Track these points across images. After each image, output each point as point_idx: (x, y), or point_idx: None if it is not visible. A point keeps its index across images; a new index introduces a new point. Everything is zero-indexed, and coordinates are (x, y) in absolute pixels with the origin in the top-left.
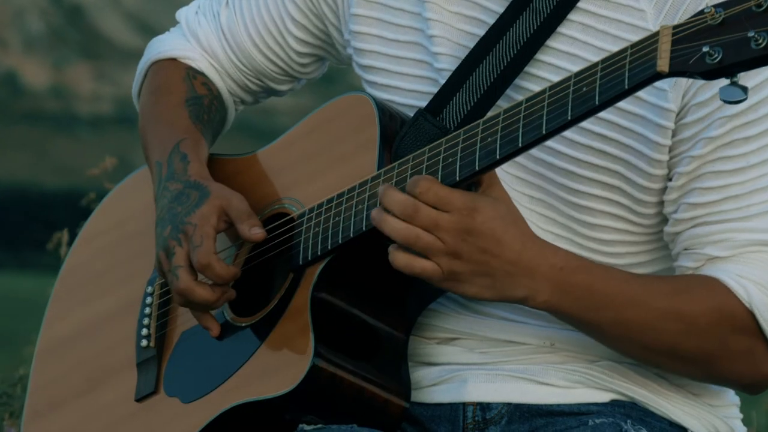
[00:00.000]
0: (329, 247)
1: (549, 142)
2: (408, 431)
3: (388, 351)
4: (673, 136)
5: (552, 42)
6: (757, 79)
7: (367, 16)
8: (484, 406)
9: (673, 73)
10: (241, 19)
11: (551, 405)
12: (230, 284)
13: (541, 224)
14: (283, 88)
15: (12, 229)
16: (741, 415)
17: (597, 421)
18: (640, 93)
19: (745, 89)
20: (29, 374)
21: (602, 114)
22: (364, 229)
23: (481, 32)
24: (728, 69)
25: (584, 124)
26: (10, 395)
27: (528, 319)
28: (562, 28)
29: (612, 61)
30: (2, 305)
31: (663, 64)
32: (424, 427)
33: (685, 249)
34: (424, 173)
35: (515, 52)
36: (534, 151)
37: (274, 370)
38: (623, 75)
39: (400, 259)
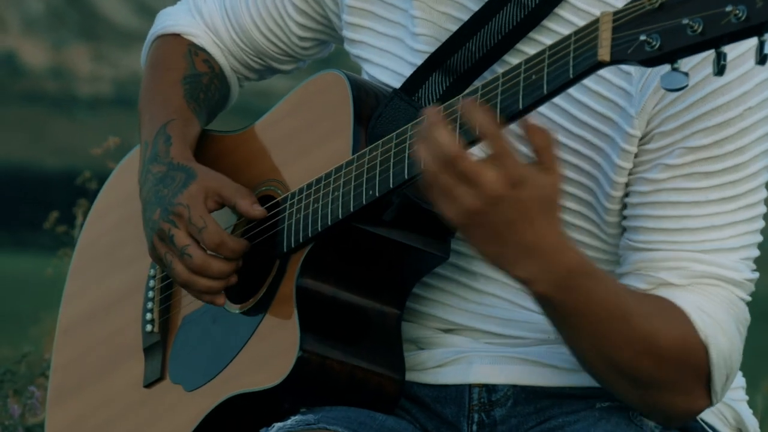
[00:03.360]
0: (310, 235)
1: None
2: (413, 412)
3: (379, 331)
4: (635, 158)
5: (535, 35)
6: (725, 116)
7: (359, 8)
8: (490, 388)
9: (615, 61)
10: (245, 1)
11: (558, 387)
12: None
13: None
14: (287, 67)
15: (9, 210)
16: (747, 398)
17: (604, 404)
18: (611, 114)
19: (686, 75)
20: (31, 352)
21: (576, 130)
22: (340, 216)
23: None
24: (668, 56)
25: (560, 138)
26: (14, 373)
27: (531, 314)
28: (547, 23)
29: (558, 49)
30: (0, 285)
31: (604, 53)
32: (429, 408)
33: (637, 270)
34: (391, 161)
35: (496, 41)
36: None
37: (264, 360)
38: (568, 64)
39: (423, 154)
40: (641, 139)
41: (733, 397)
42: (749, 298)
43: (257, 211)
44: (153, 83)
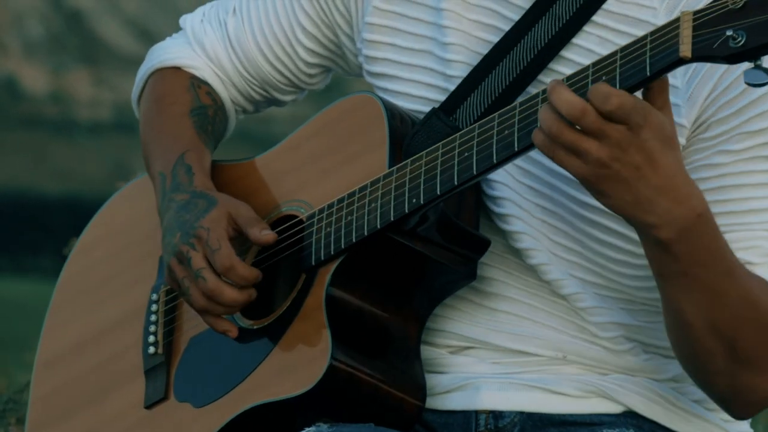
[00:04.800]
0: (342, 246)
1: None
2: None
3: (401, 348)
4: (691, 147)
5: (567, 52)
6: None
7: (381, 25)
8: (497, 414)
9: (696, 58)
10: (249, 29)
11: (564, 414)
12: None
13: (552, 236)
14: (287, 98)
15: (9, 234)
16: (752, 431)
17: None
18: None
19: None
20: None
21: None
22: (378, 227)
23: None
24: (752, 52)
25: None
26: (16, 401)
27: (541, 330)
28: (579, 39)
29: (631, 50)
30: (0, 310)
31: (685, 49)
32: None
33: None
34: (438, 169)
35: (532, 56)
36: (547, 162)
37: (291, 370)
38: (644, 62)
39: (539, 139)
40: (694, 129)
41: (739, 430)
42: None
43: (266, 236)
44: (159, 117)
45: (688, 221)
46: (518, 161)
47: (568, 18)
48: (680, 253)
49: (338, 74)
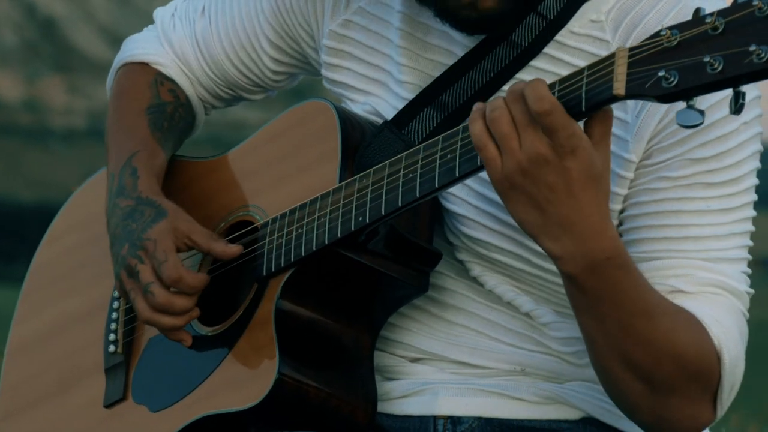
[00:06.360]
0: (292, 260)
1: None
2: None
3: (353, 360)
4: (635, 171)
5: (524, 75)
6: (723, 130)
7: (338, 49)
8: (455, 420)
9: (629, 96)
10: (216, 32)
11: (522, 420)
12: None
13: (516, 266)
14: (256, 97)
15: None
16: None
17: None
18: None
19: (702, 113)
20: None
21: None
22: (326, 242)
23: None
24: (684, 93)
25: None
26: None
27: (499, 345)
28: (529, 73)
29: (569, 83)
30: None
31: (619, 87)
32: None
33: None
34: (384, 189)
35: (485, 81)
36: None
37: (240, 382)
38: (580, 97)
39: (476, 125)
40: (639, 162)
41: None
42: (747, 314)
43: (232, 249)
44: (118, 113)
45: (594, 261)
46: (486, 205)
47: (525, 45)
48: (587, 288)
49: (310, 77)
